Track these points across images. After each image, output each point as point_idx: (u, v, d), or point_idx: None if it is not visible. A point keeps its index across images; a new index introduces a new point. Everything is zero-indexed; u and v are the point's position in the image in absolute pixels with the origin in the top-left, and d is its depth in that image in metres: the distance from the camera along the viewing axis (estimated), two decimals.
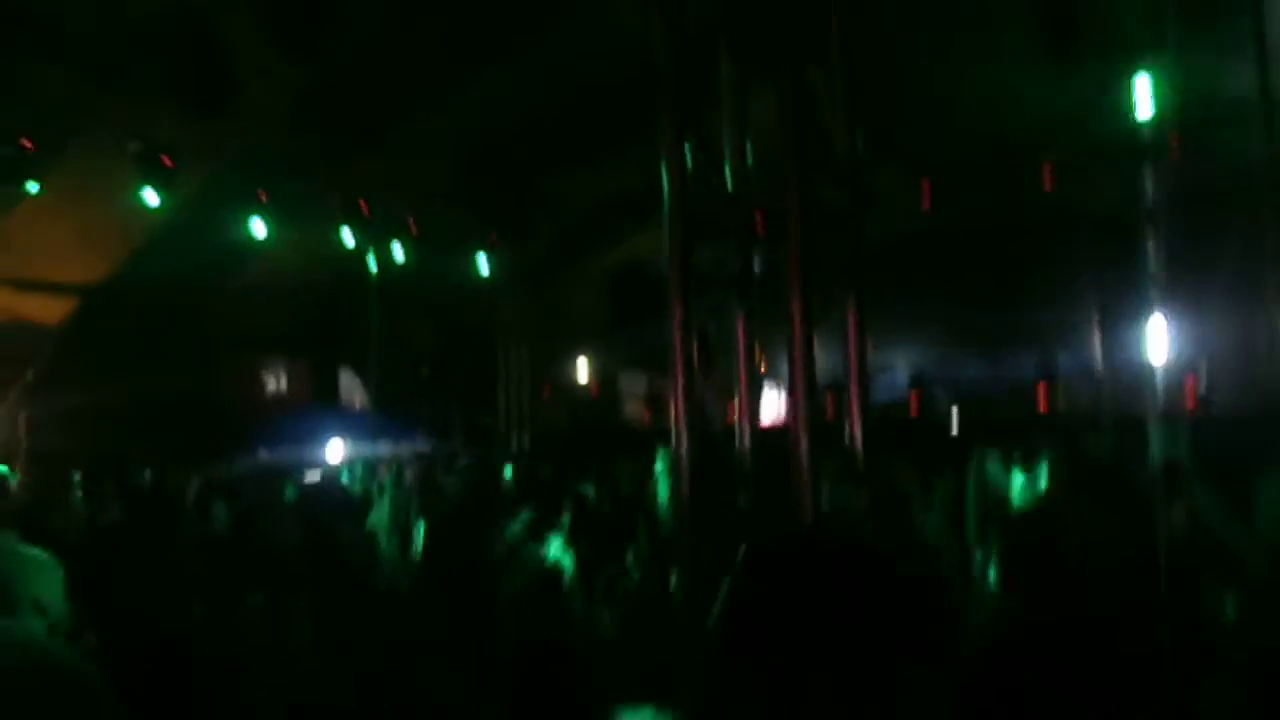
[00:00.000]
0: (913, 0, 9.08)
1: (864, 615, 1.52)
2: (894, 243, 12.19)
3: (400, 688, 6.63)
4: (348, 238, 11.59)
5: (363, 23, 8.92)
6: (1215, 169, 10.36)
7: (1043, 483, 6.79)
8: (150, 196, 9.46)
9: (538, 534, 4.84)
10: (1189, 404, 9.74)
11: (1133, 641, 2.36)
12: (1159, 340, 9.94)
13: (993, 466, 9.55)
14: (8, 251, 10.28)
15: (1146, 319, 10.01)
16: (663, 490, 4.08)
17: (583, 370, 16.73)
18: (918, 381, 14.02)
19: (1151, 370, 9.97)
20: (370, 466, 11.00)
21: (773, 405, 8.32)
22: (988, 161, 11.98)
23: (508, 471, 8.63)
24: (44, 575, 3.16)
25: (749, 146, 3.58)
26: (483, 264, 13.35)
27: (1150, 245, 9.91)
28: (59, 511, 6.91)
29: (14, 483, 9.33)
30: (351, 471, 10.94)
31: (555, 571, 4.56)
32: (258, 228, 10.78)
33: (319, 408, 14.65)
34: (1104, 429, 10.65)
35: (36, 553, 3.26)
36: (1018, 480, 8.75)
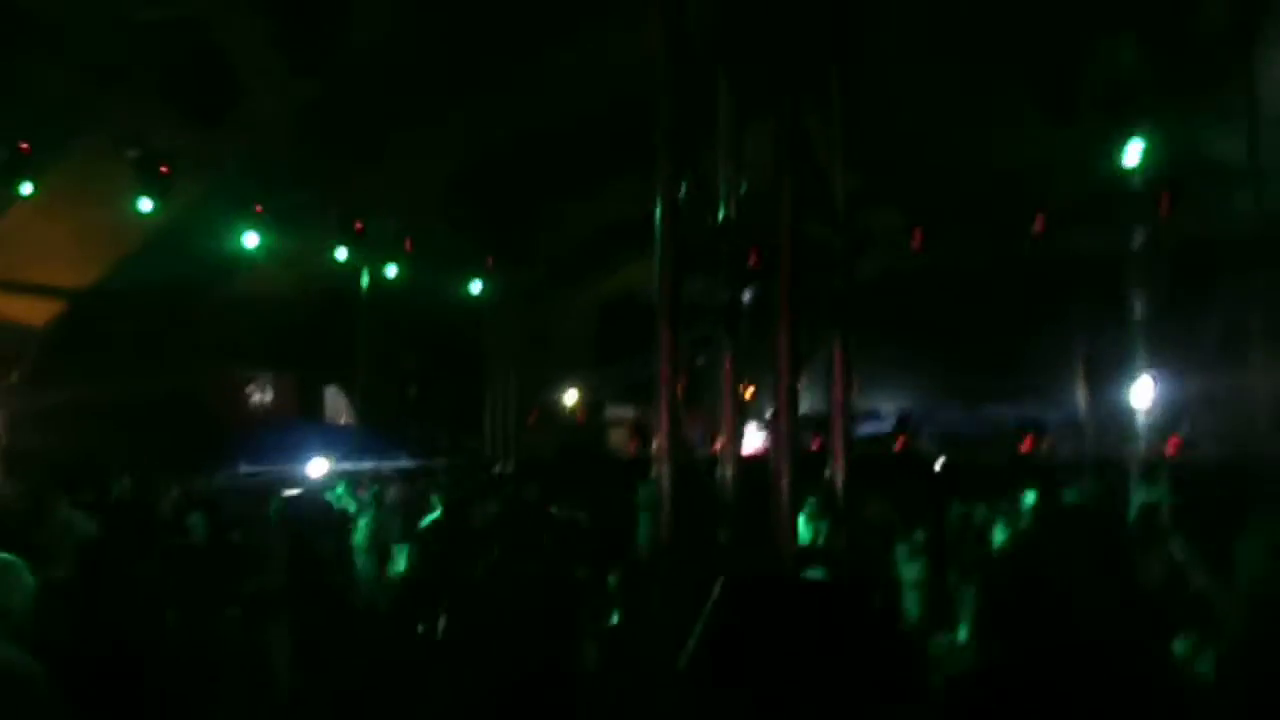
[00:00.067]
0: (911, 47, 9.22)
1: (836, 651, 1.52)
2: (885, 284, 12.28)
3: (376, 708, 6.55)
4: (342, 254, 11.59)
5: (365, 42, 8.99)
6: (1204, 225, 10.50)
7: (1023, 526, 6.80)
8: (145, 203, 9.45)
9: (519, 560, 4.80)
10: (1171, 452, 9.78)
11: (1108, 686, 2.36)
12: (1143, 389, 10.04)
13: (976, 509, 9.57)
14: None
15: (1132, 368, 10.11)
16: (643, 527, 4.05)
17: (570, 397, 16.71)
18: (904, 424, 14.06)
19: (1134, 418, 10.05)
20: (352, 484, 10.92)
21: (755, 437, 8.32)
22: (982, 208, 12.10)
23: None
24: (11, 580, 3.13)
25: (743, 182, 3.62)
26: (475, 287, 13.36)
27: (1138, 296, 10.05)
28: (43, 527, 6.82)
29: None
30: (333, 488, 10.88)
31: (539, 601, 4.51)
32: (252, 239, 10.76)
33: (303, 422, 14.57)
34: (1086, 475, 10.68)
35: (5, 558, 3.23)
36: (999, 523, 8.76)
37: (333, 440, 13.07)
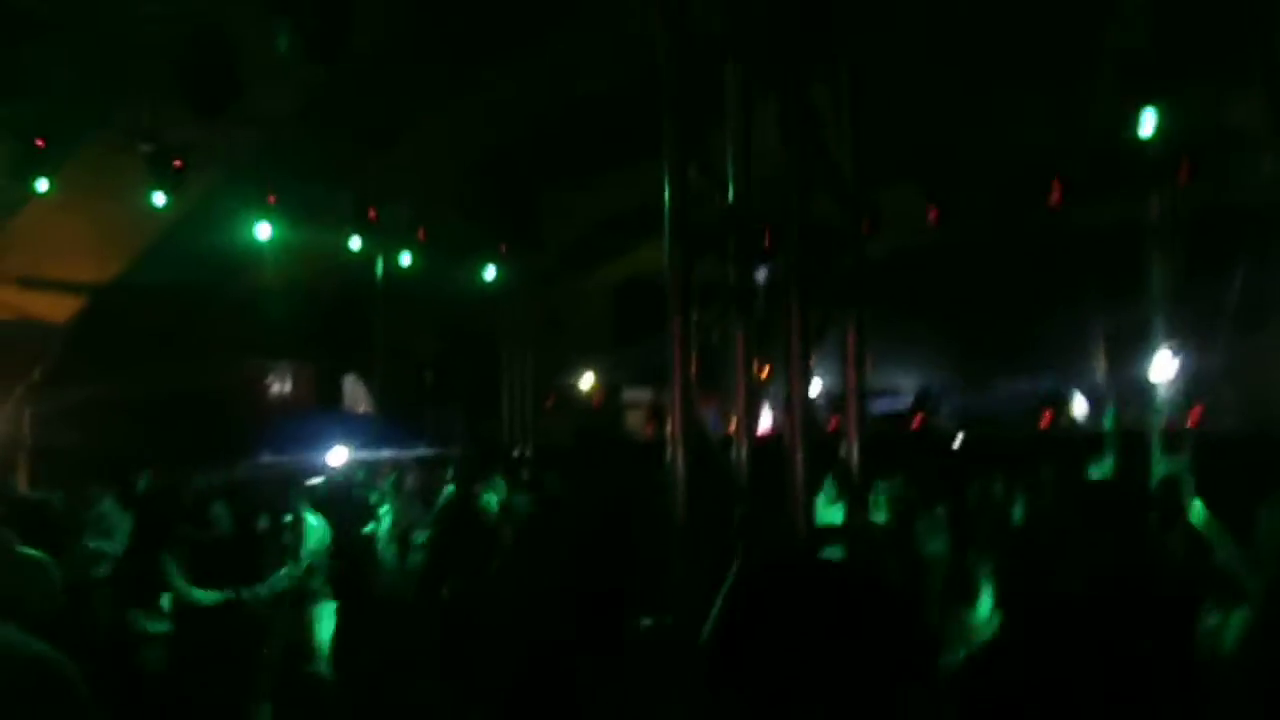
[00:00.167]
0: (920, 20, 9.11)
1: (854, 634, 1.52)
2: (901, 261, 12.20)
3: (397, 692, 6.64)
4: (355, 243, 11.62)
5: (372, 30, 8.97)
6: (1223, 193, 10.35)
7: (1043, 500, 6.77)
8: (159, 198, 9.51)
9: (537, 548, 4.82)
10: (1192, 424, 9.70)
11: (1128, 663, 2.35)
12: (1163, 361, 9.94)
13: (995, 484, 9.54)
14: (17, 250, 10.33)
15: (1151, 340, 10.01)
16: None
17: (586, 381, 16.73)
18: (922, 401, 13.99)
19: (1155, 391, 9.96)
20: (372, 472, 11.00)
21: (771, 417, 8.29)
22: (997, 181, 11.98)
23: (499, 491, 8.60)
24: (38, 577, 3.17)
25: (752, 162, 3.59)
26: (489, 273, 13.37)
27: (1157, 266, 9.92)
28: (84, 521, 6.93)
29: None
30: (353, 477, 10.96)
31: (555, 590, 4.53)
32: (265, 231, 10.81)
33: (322, 412, 14.67)
34: (1106, 449, 10.60)
35: (33, 554, 3.27)
36: (1019, 498, 8.73)
37: (352, 429, 13.16)
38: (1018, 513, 8.20)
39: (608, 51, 9.40)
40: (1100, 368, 13.15)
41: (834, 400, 8.04)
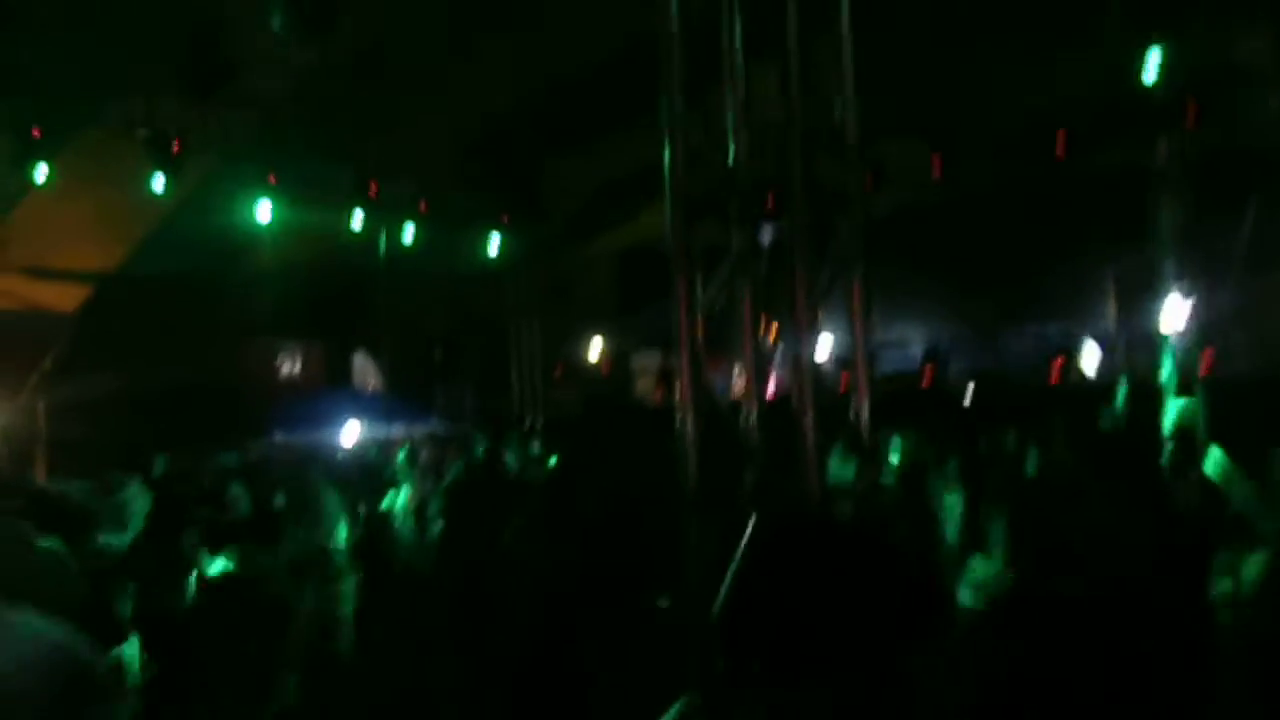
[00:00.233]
0: None
1: (866, 595, 1.52)
2: (907, 216, 12.10)
3: (415, 666, 6.72)
4: (358, 219, 11.59)
5: (366, 5, 8.88)
6: (1232, 134, 10.21)
7: (1055, 452, 6.76)
8: (158, 182, 9.49)
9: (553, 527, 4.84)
10: (1205, 370, 9.64)
11: (1139, 612, 2.35)
12: (1174, 307, 9.87)
13: (1007, 437, 9.53)
14: (21, 241, 10.34)
15: (1162, 286, 9.93)
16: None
17: (594, 349, 16.73)
18: (932, 355, 13.94)
19: (1166, 337, 9.90)
20: (384, 449, 11.06)
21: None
22: (1000, 131, 11.84)
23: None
24: (55, 569, 3.19)
25: (752, 121, 3.55)
26: (493, 245, 13.34)
27: (1165, 211, 9.82)
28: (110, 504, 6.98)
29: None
30: (367, 453, 11.02)
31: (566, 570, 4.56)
32: (265, 211, 10.78)
33: (333, 391, 14.73)
34: (1118, 399, 10.57)
35: (50, 546, 3.29)
36: (1031, 450, 8.72)
37: (363, 407, 13.23)
38: (1030, 465, 8.21)
39: (605, 15, 9.29)
40: (1110, 316, 13.07)
41: (842, 359, 8.03)
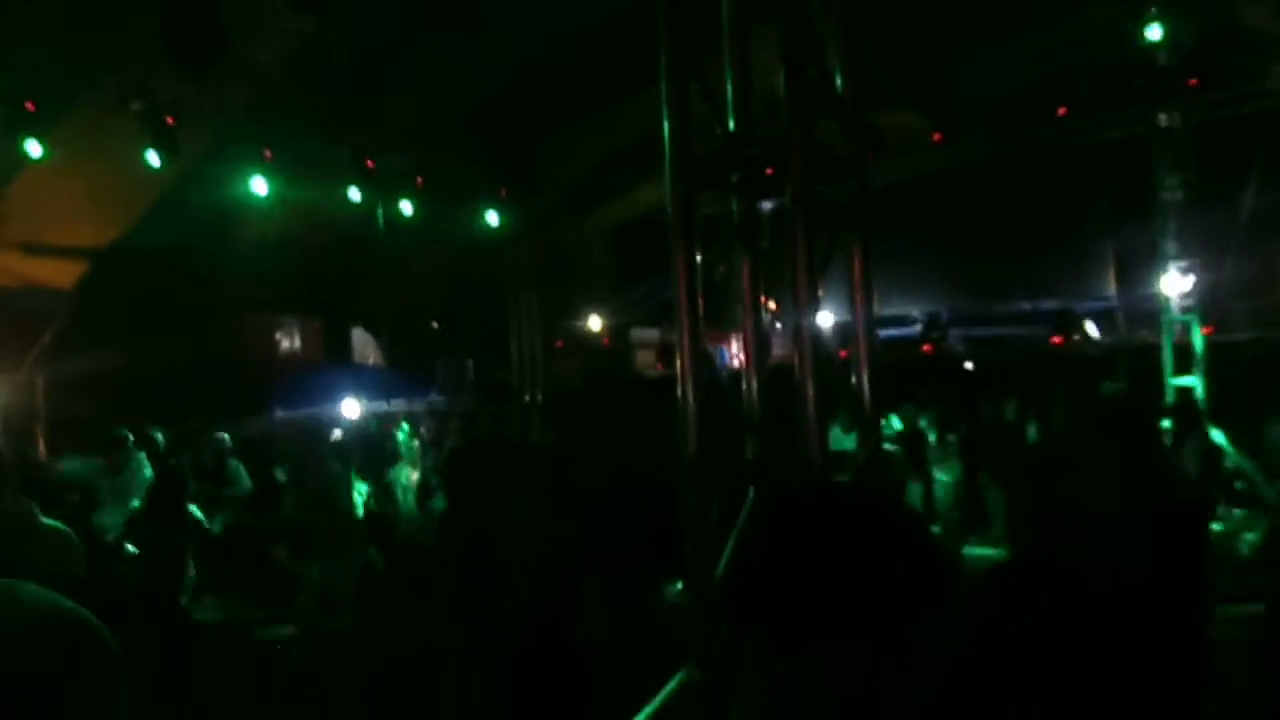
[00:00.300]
0: None
1: (869, 561, 1.52)
2: (906, 187, 12.05)
3: (414, 638, 6.76)
4: (355, 194, 11.54)
5: None
6: (1235, 100, 10.14)
7: (1056, 422, 6.77)
8: (153, 157, 9.42)
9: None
10: (1205, 331, 9.64)
11: (1139, 580, 2.35)
12: (1174, 276, 9.83)
13: (1007, 407, 9.54)
14: (17, 216, 10.29)
15: (1163, 255, 9.90)
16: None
17: (594, 323, 16.73)
18: (932, 326, 13.94)
19: (1167, 306, 9.88)
20: (384, 423, 11.08)
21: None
22: (1001, 99, 11.76)
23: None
24: (59, 548, 3.21)
25: (752, 91, 3.51)
26: (491, 218, 13.28)
27: (1166, 180, 9.76)
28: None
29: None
30: (368, 428, 11.04)
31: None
32: (260, 185, 10.72)
33: (332, 366, 14.72)
34: (1119, 368, 10.57)
35: (54, 524, 3.31)
36: (1032, 420, 8.74)
37: (362, 382, 13.23)
38: (1031, 432, 8.22)
39: None
40: (1112, 284, 13.05)
41: (843, 330, 8.02)
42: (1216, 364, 9.36)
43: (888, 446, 4.48)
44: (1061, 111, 11.22)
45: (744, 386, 3.43)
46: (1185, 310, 9.68)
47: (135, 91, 9.09)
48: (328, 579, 6.51)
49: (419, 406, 13.47)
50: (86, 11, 8.26)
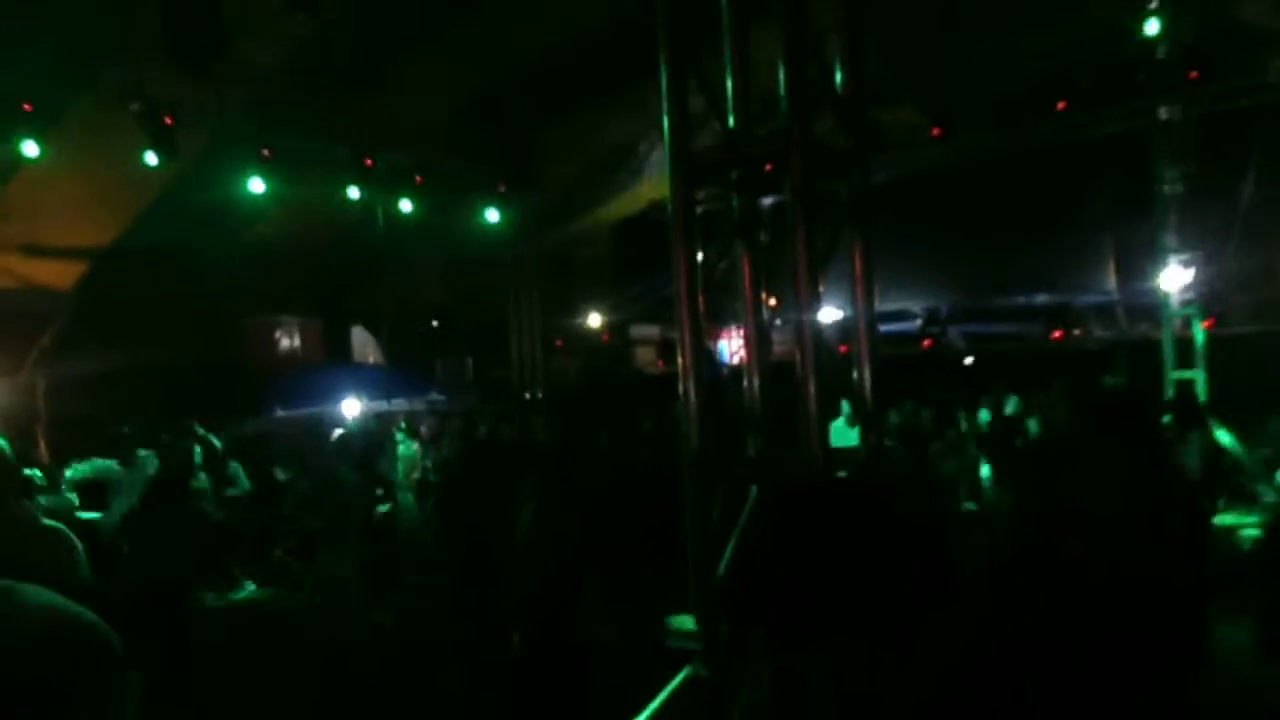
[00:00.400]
0: None
1: (872, 556, 1.52)
2: (907, 181, 12.03)
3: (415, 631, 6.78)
4: (354, 193, 11.53)
5: None
6: (1234, 94, 10.12)
7: (1057, 418, 6.76)
8: (151, 157, 9.41)
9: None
10: (1206, 325, 9.63)
11: (1140, 574, 2.35)
12: (1174, 270, 9.82)
13: (1007, 401, 9.53)
14: (15, 217, 10.27)
15: (1163, 249, 9.88)
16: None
17: (594, 320, 16.72)
18: (931, 322, 13.93)
19: (1167, 300, 9.87)
20: (385, 422, 11.07)
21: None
22: (1001, 95, 11.74)
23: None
24: (59, 549, 3.19)
25: (751, 87, 3.51)
26: (490, 216, 13.27)
27: (1166, 174, 9.74)
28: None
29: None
30: (369, 426, 11.03)
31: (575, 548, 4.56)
32: (257, 185, 10.71)
33: (332, 365, 14.71)
34: (1119, 362, 10.57)
35: (54, 525, 3.30)
36: (1033, 414, 8.73)
37: (362, 380, 13.21)
38: (1032, 426, 8.22)
39: None
40: (1112, 278, 13.03)
41: (842, 326, 8.01)
42: (1217, 358, 9.36)
43: (888, 442, 4.48)
44: (1061, 105, 11.20)
45: (745, 383, 3.43)
46: (1185, 304, 9.66)
47: (133, 91, 9.08)
48: (328, 576, 6.51)
49: (419, 405, 13.47)
50: (84, 12, 8.24)
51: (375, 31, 9.87)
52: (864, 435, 3.33)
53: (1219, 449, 6.13)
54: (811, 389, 2.94)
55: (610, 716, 4.62)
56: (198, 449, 7.42)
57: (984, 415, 9.16)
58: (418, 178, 12.08)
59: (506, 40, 10.47)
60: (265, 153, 10.58)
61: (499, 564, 5.53)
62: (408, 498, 8.91)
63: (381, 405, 12.96)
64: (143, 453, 7.26)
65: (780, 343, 4.89)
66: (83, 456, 8.43)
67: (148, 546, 6.04)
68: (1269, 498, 5.60)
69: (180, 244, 11.06)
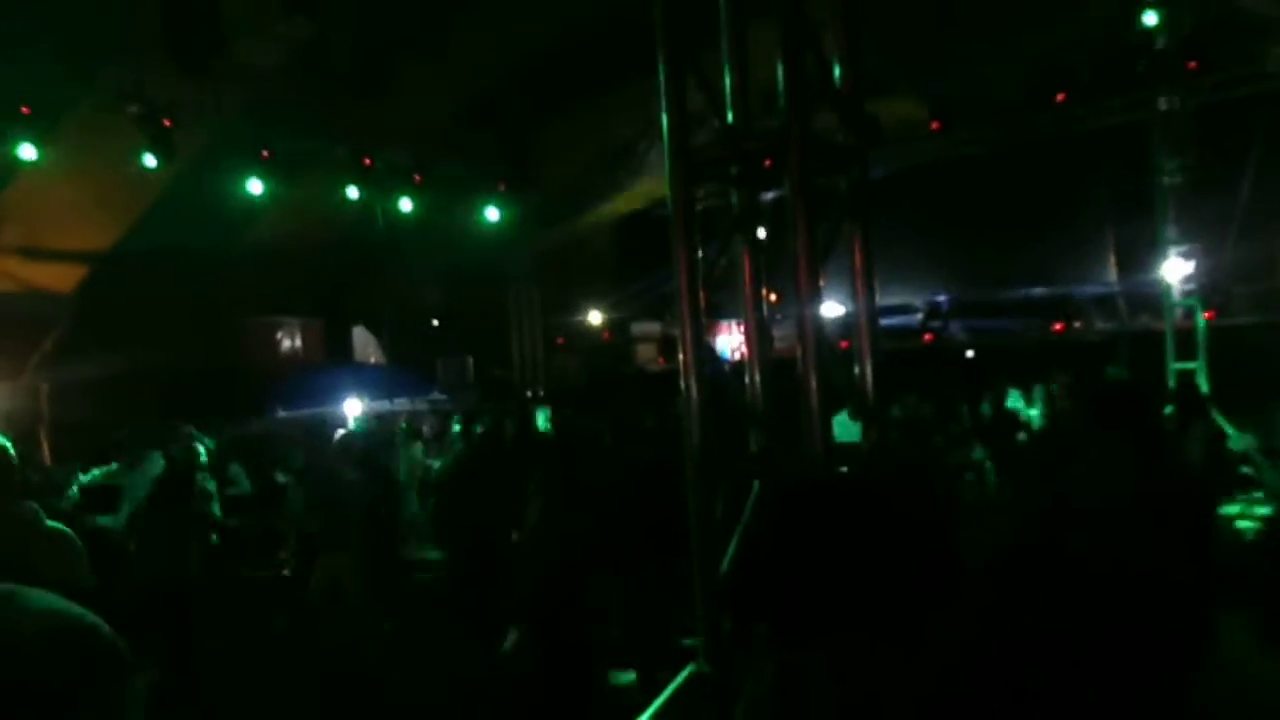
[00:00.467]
0: None
1: (873, 557, 1.52)
2: (907, 175, 12.02)
3: (419, 633, 6.78)
4: (353, 193, 11.52)
5: None
6: (1234, 85, 10.10)
7: (1059, 410, 6.76)
8: (150, 159, 9.41)
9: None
10: (1207, 316, 9.62)
11: (1144, 567, 2.35)
12: (1175, 261, 9.80)
13: (1010, 394, 9.53)
14: (16, 221, 10.27)
15: (1163, 240, 9.87)
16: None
17: (594, 317, 16.72)
18: (933, 315, 13.92)
19: (1168, 291, 9.85)
20: (386, 421, 11.06)
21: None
22: (1001, 88, 11.72)
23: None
24: (61, 551, 3.19)
25: (750, 82, 3.50)
26: (490, 215, 13.27)
27: (1166, 165, 9.72)
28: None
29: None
30: (370, 426, 11.03)
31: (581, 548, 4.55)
32: (256, 186, 10.70)
33: (333, 365, 14.70)
34: (1121, 354, 10.55)
35: (56, 527, 3.29)
36: (1034, 406, 8.72)
37: (364, 380, 13.21)
38: (1035, 418, 8.21)
39: None
40: (1113, 270, 13.02)
41: (843, 320, 8.00)
42: (1218, 349, 9.35)
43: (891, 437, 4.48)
44: (1060, 98, 11.18)
45: (746, 379, 3.43)
46: (1186, 295, 9.65)
47: (132, 93, 9.07)
48: (331, 577, 6.51)
49: (421, 405, 13.46)
50: (82, 14, 8.23)
51: (374, 32, 9.87)
52: (866, 430, 3.33)
53: (1222, 440, 6.12)
54: (813, 384, 2.94)
55: (613, 714, 4.63)
56: (201, 449, 7.42)
57: (985, 408, 9.16)
58: (417, 177, 12.07)
59: (506, 40, 10.46)
60: (264, 153, 10.58)
61: (500, 563, 5.53)
62: (410, 497, 8.92)
63: (383, 405, 12.96)
64: (148, 453, 7.28)
65: (781, 338, 4.89)
66: (86, 459, 8.44)
67: (154, 545, 6.06)
68: (1273, 488, 5.60)
69: (180, 246, 11.06)
